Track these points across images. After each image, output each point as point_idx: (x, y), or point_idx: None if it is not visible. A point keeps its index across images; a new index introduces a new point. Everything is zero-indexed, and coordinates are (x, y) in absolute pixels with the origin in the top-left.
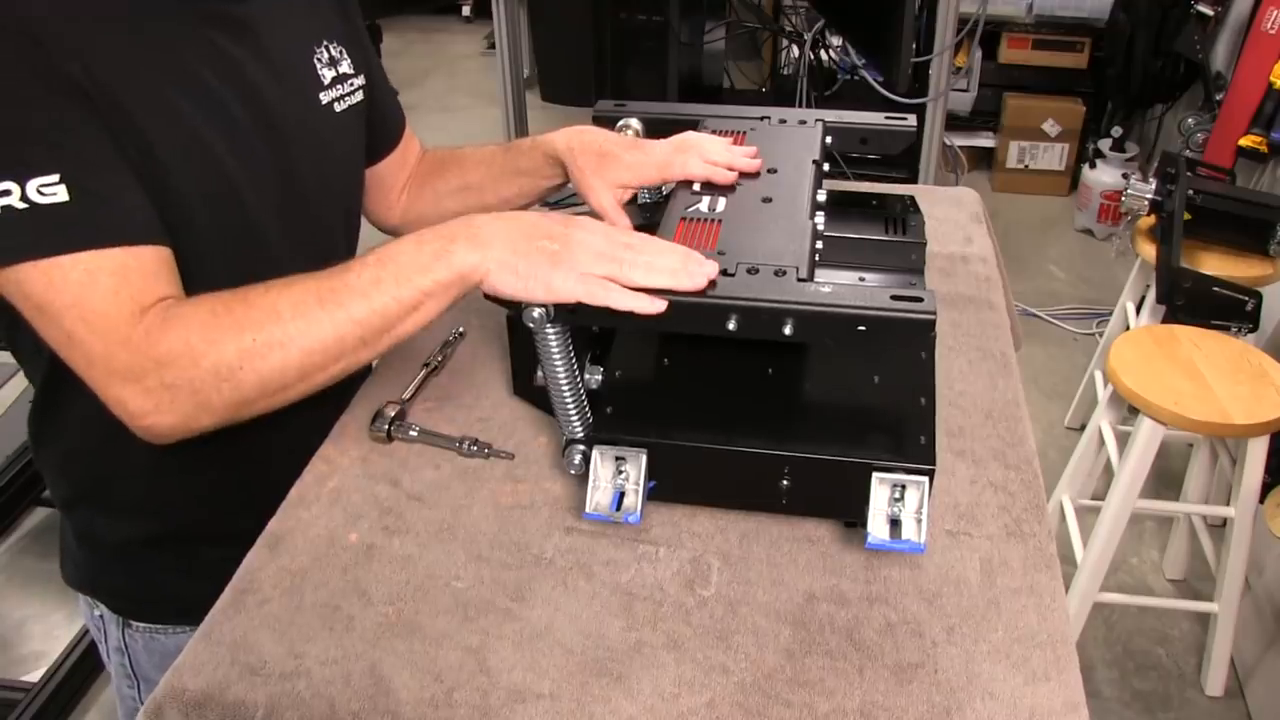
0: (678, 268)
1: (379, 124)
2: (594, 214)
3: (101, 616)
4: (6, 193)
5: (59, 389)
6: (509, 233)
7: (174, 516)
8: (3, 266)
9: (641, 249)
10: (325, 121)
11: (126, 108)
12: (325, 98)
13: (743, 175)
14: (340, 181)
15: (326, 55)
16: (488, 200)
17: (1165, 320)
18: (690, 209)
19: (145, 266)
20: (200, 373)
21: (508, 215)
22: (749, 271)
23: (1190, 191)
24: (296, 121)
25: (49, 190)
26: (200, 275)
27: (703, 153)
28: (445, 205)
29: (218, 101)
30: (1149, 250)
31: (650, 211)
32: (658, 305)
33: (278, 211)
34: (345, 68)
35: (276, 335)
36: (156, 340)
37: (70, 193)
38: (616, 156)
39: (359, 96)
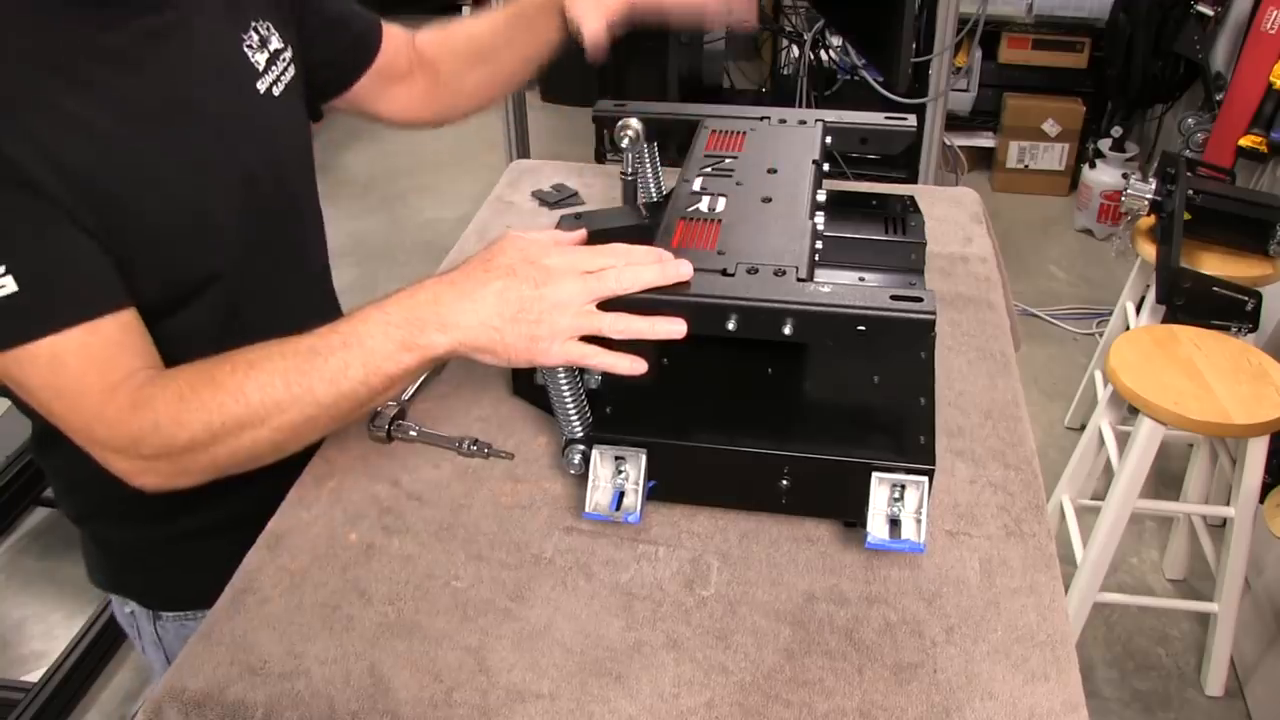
0: (656, 278)
1: (352, 42)
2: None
3: (133, 613)
4: None
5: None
6: (480, 313)
7: (184, 520)
8: None
9: (613, 276)
10: (267, 110)
11: (62, 158)
12: (263, 85)
13: (742, 175)
14: (290, 164)
15: (256, 38)
16: (503, 69)
17: (1165, 320)
18: (690, 209)
19: (108, 339)
20: (176, 446)
21: (475, 283)
22: (749, 271)
23: (1190, 191)
24: (238, 117)
25: None
26: (181, 290)
27: None
28: (467, 82)
29: (157, 121)
30: (1149, 250)
31: (651, 212)
32: (639, 366)
33: (240, 209)
34: (275, 43)
35: (244, 418)
36: (128, 419)
37: (19, 282)
38: None
39: (292, 71)
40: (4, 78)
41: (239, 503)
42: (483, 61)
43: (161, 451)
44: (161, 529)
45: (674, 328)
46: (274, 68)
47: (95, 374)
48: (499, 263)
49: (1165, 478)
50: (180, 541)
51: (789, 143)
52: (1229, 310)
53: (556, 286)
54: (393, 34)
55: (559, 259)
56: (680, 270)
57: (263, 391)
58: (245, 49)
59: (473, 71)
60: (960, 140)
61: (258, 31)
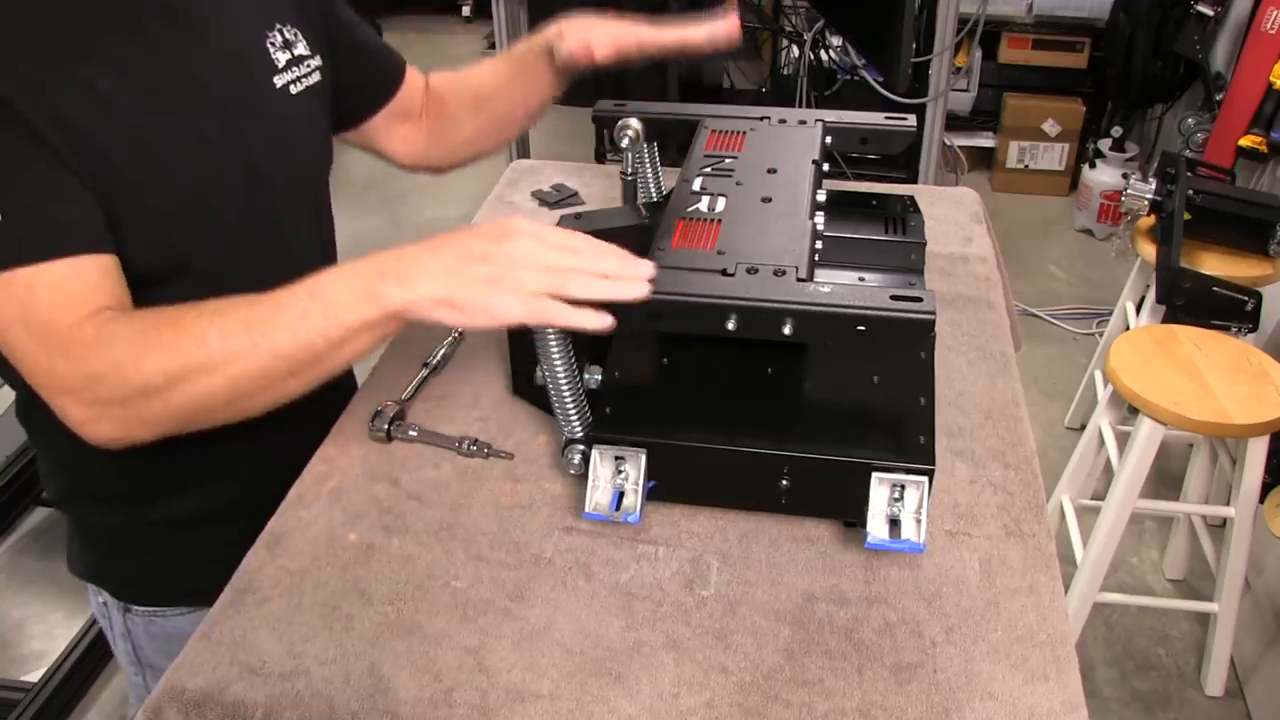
0: (617, 270)
1: (377, 73)
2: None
3: (105, 604)
4: None
5: (36, 395)
6: (440, 265)
7: (160, 506)
8: None
9: (580, 252)
10: (280, 105)
11: (65, 114)
12: (280, 81)
13: (742, 175)
14: (299, 162)
15: (280, 38)
16: (498, 117)
17: (1165, 320)
18: (690, 209)
19: (86, 278)
20: (130, 390)
21: (438, 243)
22: (748, 271)
23: (1190, 191)
24: (249, 108)
25: None
26: (168, 266)
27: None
28: (465, 128)
29: (159, 96)
30: (1149, 250)
31: (651, 212)
32: (604, 320)
33: (241, 199)
34: (301, 49)
35: (202, 362)
36: (89, 354)
37: (3, 211)
38: (602, 24)
39: (316, 77)
40: (10, 34)
41: (213, 494)
42: (481, 107)
43: (117, 394)
44: (139, 513)
45: (638, 290)
46: (295, 68)
47: (68, 310)
48: (467, 230)
49: (1165, 478)
50: (155, 530)
51: (789, 143)
52: (1229, 310)
53: (518, 241)
54: (412, 74)
55: (525, 224)
56: (636, 289)
57: (224, 338)
58: (268, 44)
59: (472, 117)
60: (960, 140)
61: (283, 33)
